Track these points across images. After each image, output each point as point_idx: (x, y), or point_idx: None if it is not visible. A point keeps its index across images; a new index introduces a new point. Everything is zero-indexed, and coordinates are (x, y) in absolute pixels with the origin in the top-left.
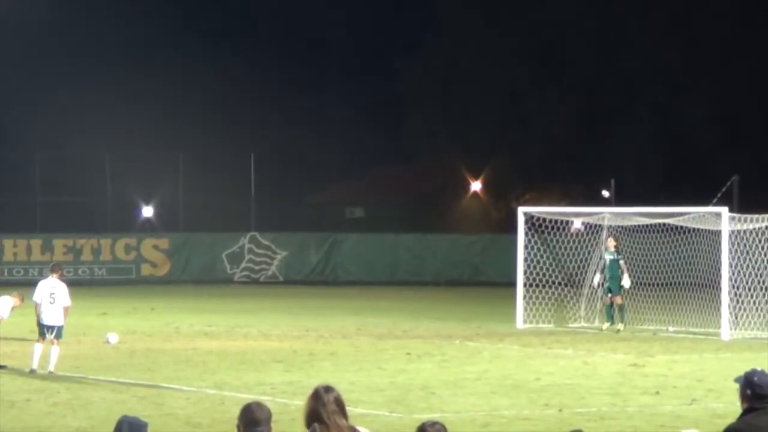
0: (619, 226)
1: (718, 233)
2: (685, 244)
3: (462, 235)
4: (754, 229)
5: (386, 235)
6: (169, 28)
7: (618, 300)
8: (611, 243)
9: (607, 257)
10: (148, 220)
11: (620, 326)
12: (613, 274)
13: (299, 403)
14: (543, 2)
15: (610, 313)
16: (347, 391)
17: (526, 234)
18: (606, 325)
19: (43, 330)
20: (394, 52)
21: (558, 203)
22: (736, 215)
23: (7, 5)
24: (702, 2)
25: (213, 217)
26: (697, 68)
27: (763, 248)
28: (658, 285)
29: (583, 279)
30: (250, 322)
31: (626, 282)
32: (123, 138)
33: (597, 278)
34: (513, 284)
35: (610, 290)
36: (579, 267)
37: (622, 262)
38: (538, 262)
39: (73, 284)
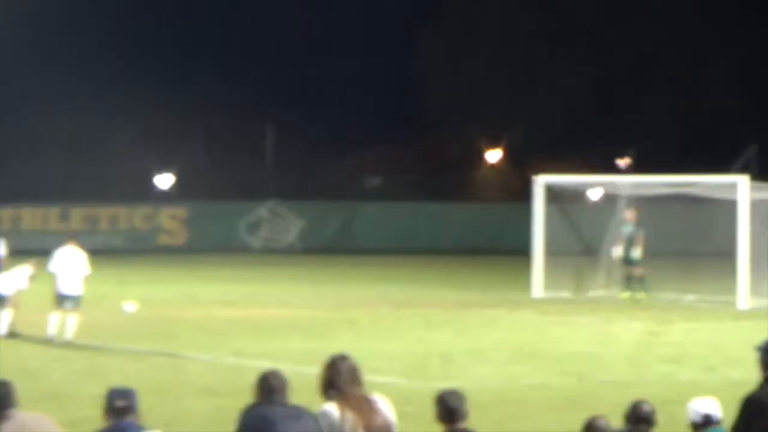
0: (637, 196)
1: (736, 202)
2: (703, 213)
3: (480, 204)
4: None
5: (405, 204)
6: None
7: (638, 271)
8: (630, 215)
9: (626, 229)
10: (165, 189)
11: (641, 296)
12: (631, 245)
13: (317, 372)
14: None
15: (630, 284)
16: (365, 359)
17: (545, 203)
18: (626, 294)
19: (60, 299)
20: (413, 21)
21: (576, 172)
22: (755, 184)
23: None
24: None
25: (231, 186)
26: (716, 37)
27: None
28: (676, 254)
29: (602, 247)
30: (269, 291)
31: (636, 253)
32: (141, 107)
33: (616, 251)
34: (531, 253)
35: (629, 262)
36: (597, 235)
37: (641, 233)
38: (556, 230)
39: (91, 253)
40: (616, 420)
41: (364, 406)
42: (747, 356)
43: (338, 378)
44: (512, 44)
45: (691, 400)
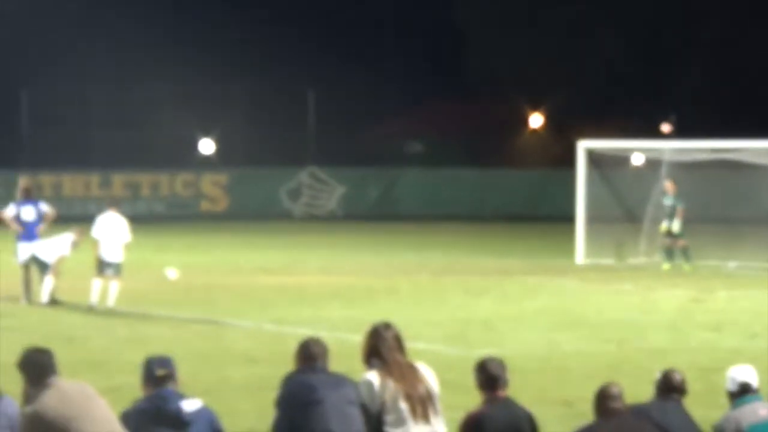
0: (678, 162)
1: None
2: (746, 179)
3: (522, 170)
4: None
5: (446, 170)
6: None
7: (680, 243)
8: (669, 187)
9: (667, 202)
10: (207, 155)
11: (687, 267)
12: (672, 217)
13: (358, 339)
14: None
15: (672, 255)
16: (407, 326)
17: (587, 169)
18: (666, 266)
19: (102, 265)
20: None
21: (619, 138)
22: None
23: None
24: None
25: (272, 152)
26: (760, 1)
27: None
28: (718, 220)
29: (644, 214)
30: (309, 258)
31: (675, 226)
32: (181, 73)
33: (664, 224)
34: (573, 219)
35: (671, 234)
36: (639, 201)
37: (680, 207)
38: (598, 197)
39: (132, 220)
40: (652, 388)
41: (407, 374)
42: None
43: (382, 346)
44: (555, 7)
45: (729, 368)
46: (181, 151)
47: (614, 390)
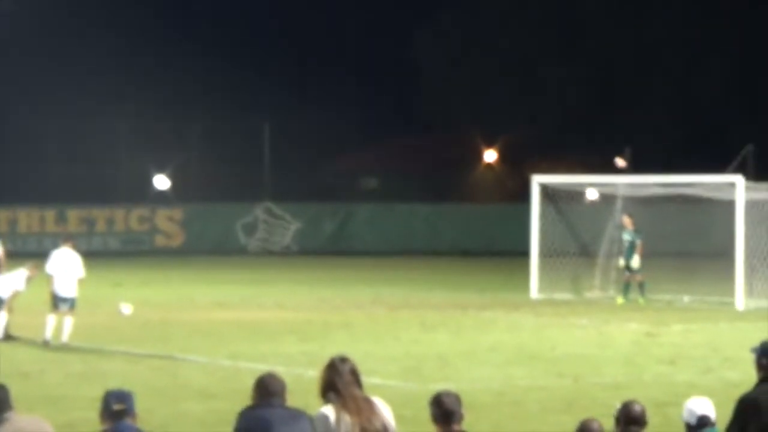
0: (633, 196)
1: (732, 202)
2: (700, 214)
3: (477, 205)
4: None
5: (401, 205)
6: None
7: (638, 277)
8: (627, 222)
9: (626, 237)
10: (161, 190)
11: (641, 301)
12: (632, 252)
13: (314, 374)
14: None
15: (628, 290)
16: (362, 361)
17: (541, 203)
18: (620, 300)
19: (56, 301)
20: (410, 20)
21: (573, 173)
22: (751, 184)
23: None
24: None
25: (227, 188)
26: (715, 37)
27: None
28: (672, 255)
29: (598, 248)
30: (265, 293)
31: (635, 262)
32: (136, 108)
33: (621, 262)
34: (527, 254)
35: (630, 269)
36: (594, 236)
37: (639, 241)
38: (553, 231)
39: (87, 255)
40: (611, 421)
41: (363, 409)
42: (744, 357)
43: (338, 380)
44: (510, 43)
45: (687, 400)
46: (136, 186)
47: (595, 425)
